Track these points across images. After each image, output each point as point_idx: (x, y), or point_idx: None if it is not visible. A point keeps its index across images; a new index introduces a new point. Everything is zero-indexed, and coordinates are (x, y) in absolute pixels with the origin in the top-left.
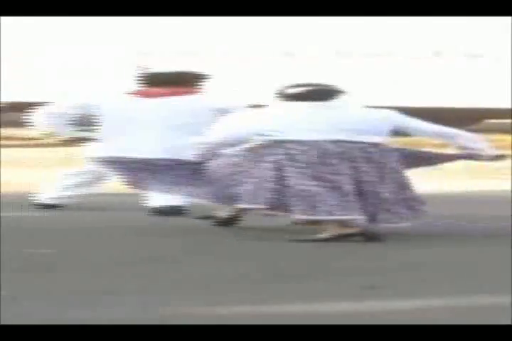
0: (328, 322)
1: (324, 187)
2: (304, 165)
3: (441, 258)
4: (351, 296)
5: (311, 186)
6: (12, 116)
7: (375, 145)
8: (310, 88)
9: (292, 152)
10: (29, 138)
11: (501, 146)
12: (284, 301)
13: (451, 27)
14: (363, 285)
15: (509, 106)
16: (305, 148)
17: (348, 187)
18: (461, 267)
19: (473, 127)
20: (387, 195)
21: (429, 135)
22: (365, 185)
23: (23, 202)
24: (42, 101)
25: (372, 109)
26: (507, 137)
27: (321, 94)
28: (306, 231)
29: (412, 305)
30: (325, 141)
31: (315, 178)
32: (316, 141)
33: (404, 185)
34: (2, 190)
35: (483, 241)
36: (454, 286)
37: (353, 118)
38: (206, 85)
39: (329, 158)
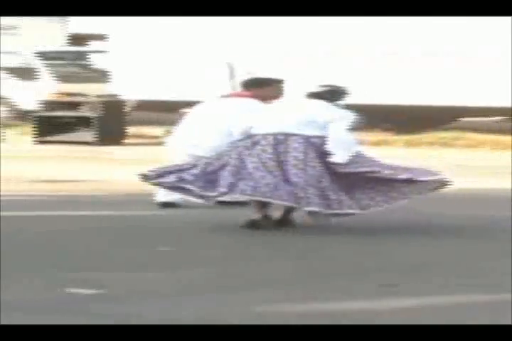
0: (348, 322)
1: (258, 170)
2: (247, 152)
3: (446, 257)
4: (371, 295)
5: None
6: (139, 114)
7: (307, 137)
8: (324, 89)
9: (249, 144)
10: (154, 137)
11: (473, 145)
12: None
13: (436, 27)
14: (382, 283)
15: (484, 105)
16: (261, 139)
17: (277, 173)
18: (465, 264)
19: (451, 125)
20: (297, 179)
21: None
22: (286, 172)
23: (145, 200)
24: (169, 99)
25: (333, 109)
26: (479, 136)
27: (332, 93)
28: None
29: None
30: (274, 134)
31: (248, 163)
32: (267, 134)
33: (322, 175)
34: (124, 189)
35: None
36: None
37: (306, 115)
38: (281, 88)
39: (269, 147)
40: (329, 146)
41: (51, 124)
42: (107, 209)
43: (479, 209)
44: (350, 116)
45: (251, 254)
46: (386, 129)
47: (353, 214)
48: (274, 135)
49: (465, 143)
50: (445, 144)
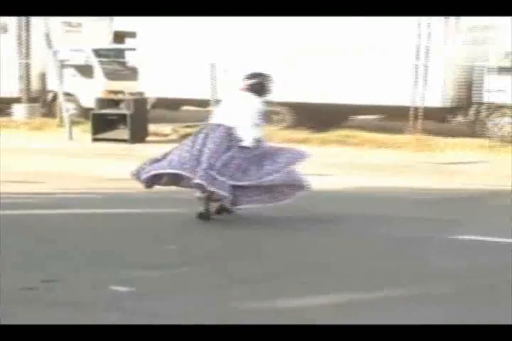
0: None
1: (190, 154)
2: (192, 139)
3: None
4: (290, 293)
5: (182, 152)
6: (157, 112)
7: (228, 128)
8: (254, 81)
9: (196, 132)
10: (165, 134)
11: (360, 143)
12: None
13: (335, 25)
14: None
15: (371, 103)
16: (207, 128)
17: (195, 153)
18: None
19: (347, 123)
20: (202, 158)
21: None
22: (201, 152)
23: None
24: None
25: (252, 102)
26: (367, 134)
27: (261, 85)
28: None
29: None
30: (211, 124)
31: (186, 146)
32: (208, 124)
33: (228, 161)
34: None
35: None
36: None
37: (235, 108)
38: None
39: (203, 134)
40: (240, 133)
41: (102, 122)
42: (141, 207)
43: (364, 207)
44: (263, 109)
45: (220, 254)
46: (310, 127)
47: (224, 196)
48: (211, 124)
49: (355, 141)
50: (342, 142)
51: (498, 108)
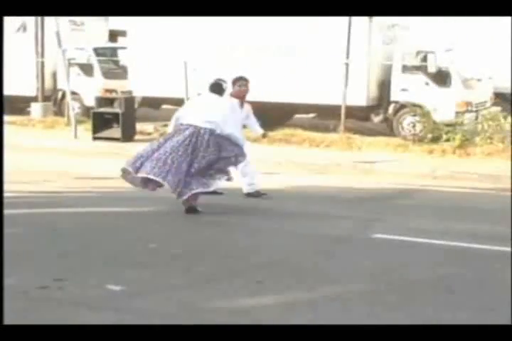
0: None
1: (164, 155)
2: (167, 138)
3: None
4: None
5: (160, 155)
6: (142, 111)
7: (198, 128)
8: (213, 82)
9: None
10: (148, 133)
11: (298, 141)
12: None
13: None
14: (253, 280)
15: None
16: (182, 128)
17: (155, 155)
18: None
19: (289, 122)
20: (196, 165)
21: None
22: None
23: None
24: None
25: (217, 105)
26: (304, 132)
27: (219, 86)
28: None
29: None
30: (186, 124)
31: (164, 148)
32: (183, 124)
33: (212, 162)
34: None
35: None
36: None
37: (205, 110)
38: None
39: (183, 136)
40: (220, 125)
41: (100, 121)
42: (122, 205)
43: (302, 206)
44: (227, 106)
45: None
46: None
47: (172, 189)
48: (183, 125)
49: (297, 139)
50: (287, 141)
51: (405, 107)
